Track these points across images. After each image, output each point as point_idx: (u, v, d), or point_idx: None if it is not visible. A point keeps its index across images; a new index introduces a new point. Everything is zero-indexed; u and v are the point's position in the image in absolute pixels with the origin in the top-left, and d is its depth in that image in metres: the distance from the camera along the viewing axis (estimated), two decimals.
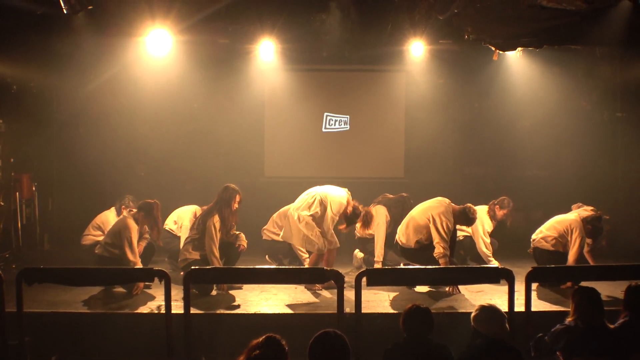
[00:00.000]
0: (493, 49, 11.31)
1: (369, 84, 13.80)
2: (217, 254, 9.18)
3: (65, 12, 9.47)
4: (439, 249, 9.09)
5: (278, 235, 10.62)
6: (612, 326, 5.93)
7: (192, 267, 6.91)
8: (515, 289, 6.32)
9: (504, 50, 11.37)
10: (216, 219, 9.29)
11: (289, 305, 8.50)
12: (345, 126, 13.63)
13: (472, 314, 5.47)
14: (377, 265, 10.27)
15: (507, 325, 5.39)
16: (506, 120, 13.39)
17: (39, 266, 7.09)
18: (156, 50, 11.42)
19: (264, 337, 4.77)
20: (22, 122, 11.83)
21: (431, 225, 9.24)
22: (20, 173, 11.86)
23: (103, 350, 7.51)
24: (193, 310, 6.99)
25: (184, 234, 10.31)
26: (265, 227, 10.88)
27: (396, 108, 13.65)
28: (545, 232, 9.86)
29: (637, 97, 12.91)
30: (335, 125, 13.61)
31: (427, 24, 11.18)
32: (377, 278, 6.88)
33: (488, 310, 5.41)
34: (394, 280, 7.61)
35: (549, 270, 7.54)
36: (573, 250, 9.48)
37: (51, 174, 12.78)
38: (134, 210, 9.70)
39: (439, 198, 9.64)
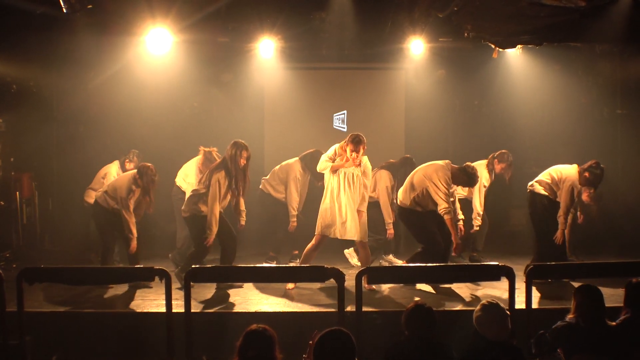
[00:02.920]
0: (493, 46, 11.30)
1: (368, 82, 13.80)
2: (217, 214, 9.14)
3: (65, 11, 9.46)
4: (442, 205, 9.08)
5: (275, 190, 10.82)
6: (613, 323, 5.93)
7: (193, 266, 6.91)
8: (516, 286, 6.32)
9: (504, 47, 11.35)
10: (222, 175, 9.22)
11: (290, 304, 8.50)
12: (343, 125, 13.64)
13: (475, 314, 5.46)
14: (389, 228, 10.58)
15: (509, 324, 5.39)
16: (506, 118, 13.39)
17: (40, 265, 7.10)
18: (156, 49, 11.40)
19: (244, 334, 4.82)
20: (22, 122, 11.84)
21: (429, 183, 9.20)
22: (20, 172, 11.87)
23: (104, 349, 7.53)
24: (194, 309, 6.99)
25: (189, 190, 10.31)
26: (265, 177, 10.92)
27: (396, 106, 13.66)
28: (540, 177, 9.95)
29: (637, 94, 12.91)
30: (339, 124, 13.63)
31: (427, 22, 11.19)
32: (378, 276, 6.90)
33: (490, 311, 5.39)
34: (394, 279, 7.62)
35: (550, 268, 7.54)
36: (562, 199, 9.59)
37: (51, 173, 12.78)
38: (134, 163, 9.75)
39: (439, 160, 9.63)
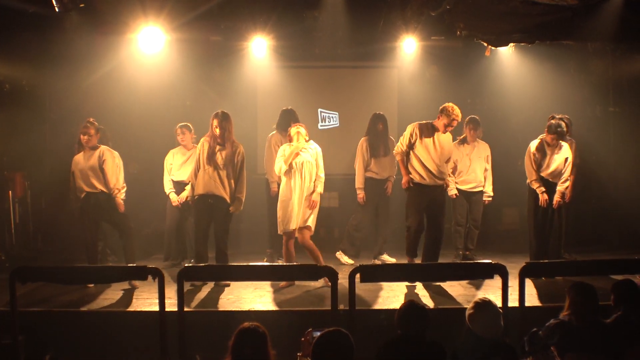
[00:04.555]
0: (485, 45, 11.32)
1: (361, 80, 13.80)
2: (193, 179, 9.49)
3: (57, 10, 9.48)
4: (395, 148, 9.74)
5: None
6: (607, 321, 5.95)
7: (186, 265, 6.91)
8: (509, 284, 6.33)
9: (496, 46, 11.37)
10: (205, 139, 9.53)
11: (283, 302, 8.51)
12: (335, 122, 13.66)
13: (467, 312, 5.46)
14: (359, 192, 10.98)
15: (502, 322, 5.40)
16: (499, 116, 13.40)
17: (33, 265, 7.09)
18: (148, 48, 11.40)
19: (237, 332, 4.83)
20: (14, 121, 11.79)
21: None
22: (13, 171, 11.83)
23: (97, 348, 7.52)
24: (187, 308, 6.99)
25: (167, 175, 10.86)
26: None
27: (389, 104, 13.63)
28: None
29: (630, 92, 12.93)
30: (328, 122, 13.61)
31: (419, 21, 11.19)
32: (371, 274, 6.89)
33: (483, 309, 5.39)
34: (388, 277, 7.62)
35: (543, 266, 7.56)
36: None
37: (44, 173, 12.72)
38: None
39: None
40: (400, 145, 9.57)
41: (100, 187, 9.58)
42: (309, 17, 11.64)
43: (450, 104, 9.51)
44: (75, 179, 9.60)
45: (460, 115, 9.53)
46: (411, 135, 9.47)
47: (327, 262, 9.20)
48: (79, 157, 9.65)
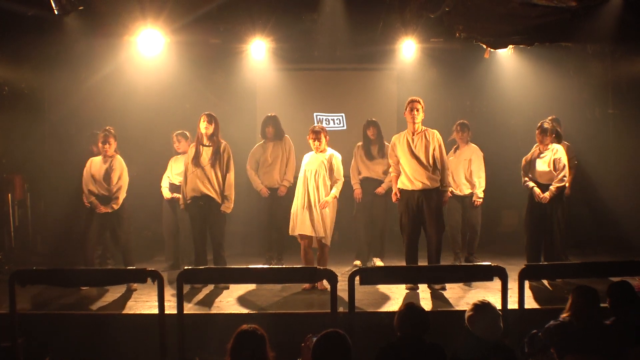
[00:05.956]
0: (484, 46, 11.31)
1: (360, 83, 13.78)
2: (183, 184, 9.57)
3: (56, 13, 9.47)
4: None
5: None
6: (607, 322, 5.95)
7: (185, 267, 6.91)
8: (509, 287, 6.33)
9: (495, 48, 11.37)
10: (193, 144, 9.68)
11: (282, 305, 8.50)
12: (340, 125, 13.66)
13: (467, 314, 5.47)
14: (355, 188, 11.09)
15: (501, 324, 5.40)
16: (498, 118, 13.39)
17: (32, 268, 7.09)
18: (148, 51, 11.42)
19: (236, 335, 4.84)
20: (13, 123, 11.79)
21: None
22: (12, 174, 11.82)
23: (96, 351, 7.51)
24: (186, 311, 6.99)
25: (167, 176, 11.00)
26: None
27: (388, 107, 13.63)
28: None
29: (629, 94, 12.92)
30: (330, 124, 13.58)
31: (418, 23, 11.20)
32: (370, 277, 6.89)
33: (482, 311, 5.40)
34: (387, 279, 7.62)
35: (542, 268, 7.56)
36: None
37: (43, 175, 12.72)
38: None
39: None
40: (390, 162, 9.69)
41: (104, 192, 9.71)
42: (308, 20, 11.64)
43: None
44: (87, 182, 9.71)
45: (417, 98, 9.49)
46: (392, 149, 9.51)
47: (328, 265, 9.19)
48: (97, 162, 9.82)
